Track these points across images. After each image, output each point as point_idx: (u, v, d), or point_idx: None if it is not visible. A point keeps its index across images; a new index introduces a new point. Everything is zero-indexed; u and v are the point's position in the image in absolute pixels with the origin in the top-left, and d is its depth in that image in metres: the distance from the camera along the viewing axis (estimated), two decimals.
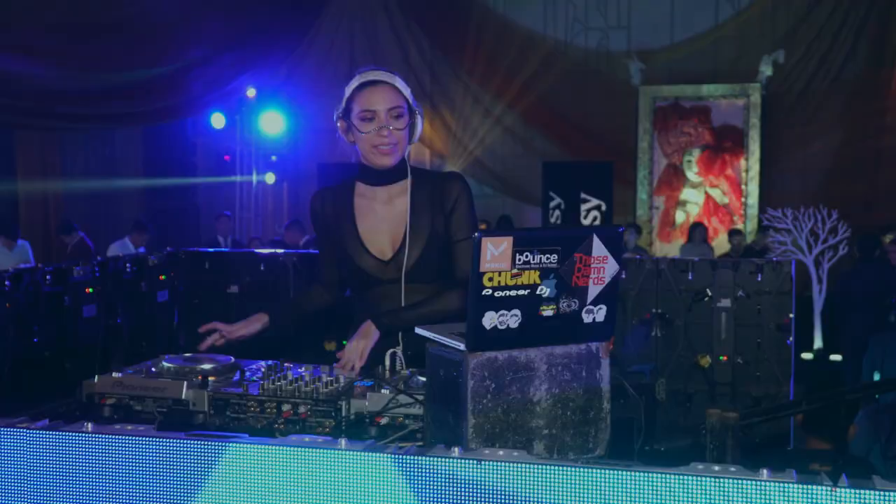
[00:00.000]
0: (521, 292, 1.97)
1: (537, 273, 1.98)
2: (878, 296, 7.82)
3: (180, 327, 5.66)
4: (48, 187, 13.12)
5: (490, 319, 1.96)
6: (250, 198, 14.89)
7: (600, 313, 2.08)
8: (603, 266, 2.05)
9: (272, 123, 14.15)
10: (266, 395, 2.37)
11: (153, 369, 2.61)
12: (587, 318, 2.06)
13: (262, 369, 2.59)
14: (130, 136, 14.36)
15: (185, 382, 2.44)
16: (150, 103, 11.79)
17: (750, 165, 13.58)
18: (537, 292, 1.99)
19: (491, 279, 1.94)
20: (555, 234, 2.05)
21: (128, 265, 4.69)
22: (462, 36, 14.60)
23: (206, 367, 2.61)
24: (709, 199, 13.81)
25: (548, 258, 1.98)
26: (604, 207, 13.50)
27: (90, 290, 4.33)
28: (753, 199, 13.59)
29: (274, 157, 14.69)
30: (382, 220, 2.94)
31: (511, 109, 14.35)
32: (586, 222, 13.51)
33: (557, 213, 13.48)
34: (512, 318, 1.97)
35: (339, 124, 2.89)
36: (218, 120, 13.74)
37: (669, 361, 4.47)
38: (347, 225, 2.96)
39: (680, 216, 13.87)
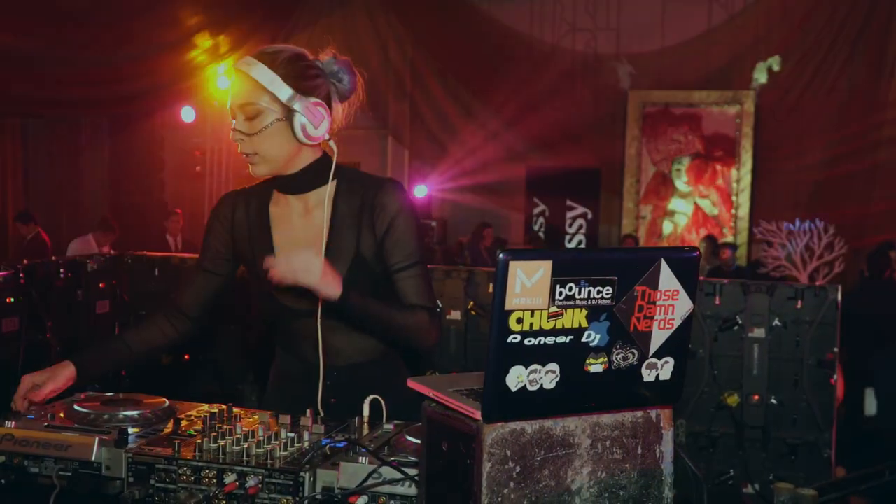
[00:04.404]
0: (560, 339, 1.40)
1: (584, 313, 1.41)
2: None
3: None
4: (7, 178, 12.54)
5: (517, 377, 1.38)
6: None
7: (665, 369, 1.51)
8: (672, 304, 1.49)
9: None
10: (204, 459, 1.79)
11: (60, 415, 2.02)
12: (648, 376, 1.50)
13: (205, 419, 2.01)
14: (97, 125, 13.77)
15: (97, 438, 1.85)
16: (112, 90, 11.14)
17: (741, 176, 13.12)
18: (583, 339, 1.42)
19: (520, 321, 1.36)
20: (610, 256, 1.47)
21: (61, 270, 4.02)
22: (444, 33, 14.06)
23: (129, 413, 2.02)
24: (698, 209, 13.34)
25: (599, 292, 1.42)
26: (590, 215, 13.15)
27: (11, 299, 3.67)
28: (744, 211, 13.13)
29: None
30: (299, 236, 2.31)
31: (494, 111, 13.82)
32: (571, 230, 13.09)
33: (542, 220, 13.06)
34: (547, 376, 1.41)
35: None
36: (188, 113, 13.05)
37: (690, 399, 3.89)
38: (261, 239, 2.35)
39: (667, 227, 13.39)
